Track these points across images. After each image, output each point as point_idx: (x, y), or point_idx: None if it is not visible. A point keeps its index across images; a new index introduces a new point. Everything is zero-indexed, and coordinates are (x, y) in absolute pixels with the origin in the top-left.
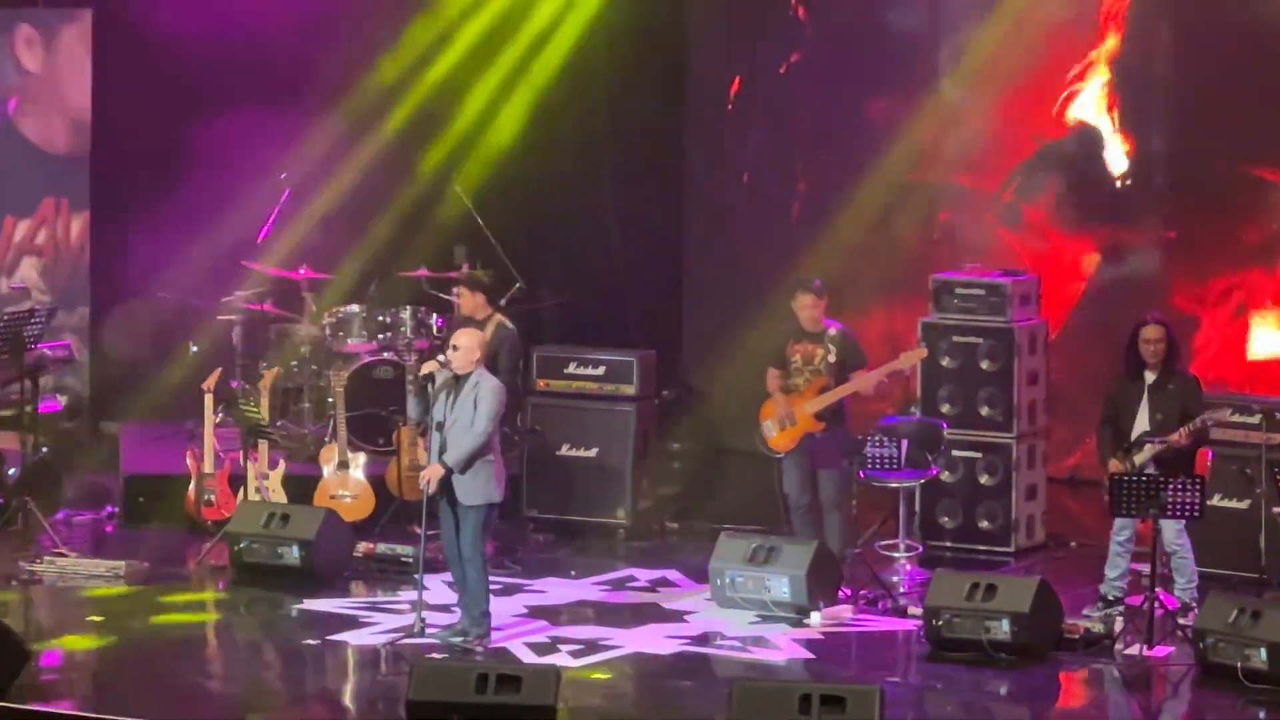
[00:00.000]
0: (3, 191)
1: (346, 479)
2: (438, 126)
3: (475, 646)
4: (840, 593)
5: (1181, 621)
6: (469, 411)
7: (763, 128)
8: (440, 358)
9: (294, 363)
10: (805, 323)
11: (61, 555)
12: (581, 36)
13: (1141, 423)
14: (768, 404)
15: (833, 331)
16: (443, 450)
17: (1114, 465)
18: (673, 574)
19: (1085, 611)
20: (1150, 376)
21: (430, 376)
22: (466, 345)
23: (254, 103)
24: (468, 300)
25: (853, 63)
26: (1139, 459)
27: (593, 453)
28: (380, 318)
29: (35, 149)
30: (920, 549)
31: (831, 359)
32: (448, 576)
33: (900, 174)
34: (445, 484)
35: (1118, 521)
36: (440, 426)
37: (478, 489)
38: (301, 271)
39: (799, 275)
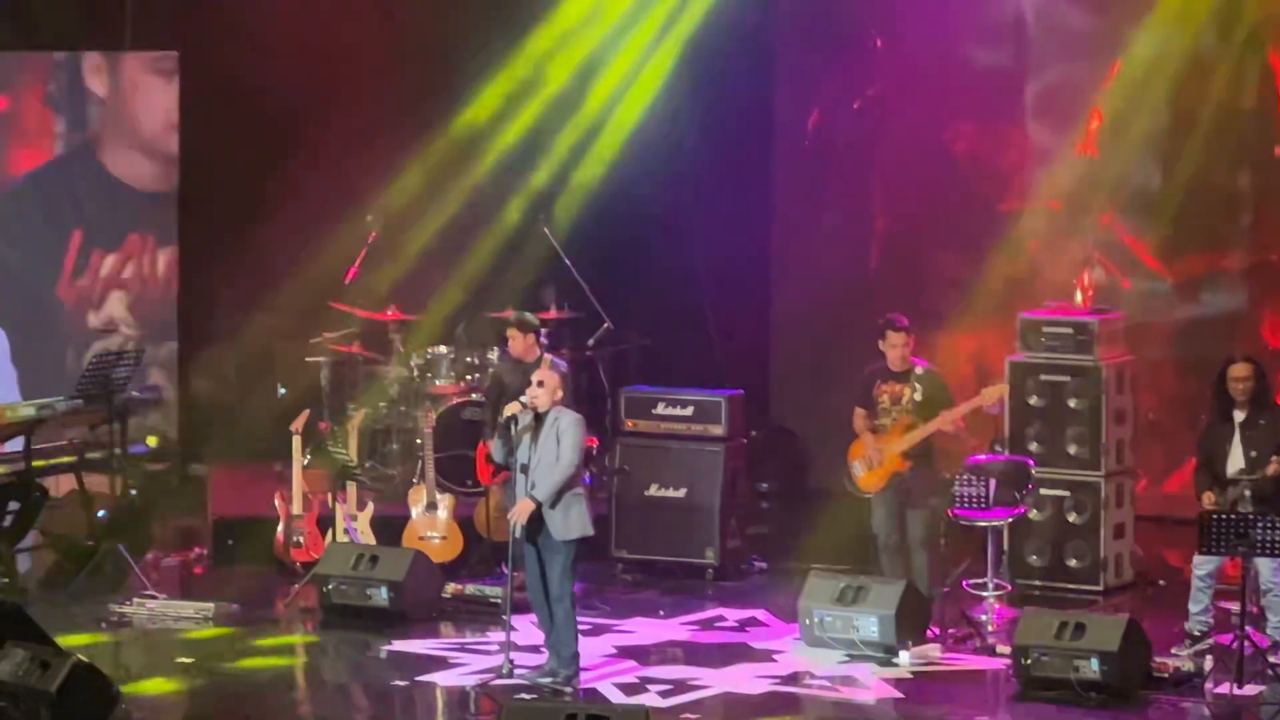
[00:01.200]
0: (89, 225)
1: (435, 520)
2: (528, 166)
3: (564, 687)
4: (929, 632)
5: (1272, 660)
6: (552, 447)
7: (843, 161)
8: (523, 398)
9: (382, 404)
10: (893, 362)
11: (151, 597)
12: (668, 76)
13: (1236, 461)
14: (856, 444)
15: (919, 370)
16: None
17: (1208, 500)
18: (762, 614)
19: (1174, 650)
20: (1240, 415)
21: (513, 418)
22: (549, 384)
23: (342, 143)
24: (519, 342)
25: (934, 95)
26: (1233, 496)
27: (681, 493)
28: (468, 359)
29: (120, 183)
30: (1009, 587)
31: (918, 398)
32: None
33: (989, 205)
34: (533, 523)
35: (1198, 557)
36: (525, 468)
37: (569, 524)
38: (389, 313)
39: (886, 314)
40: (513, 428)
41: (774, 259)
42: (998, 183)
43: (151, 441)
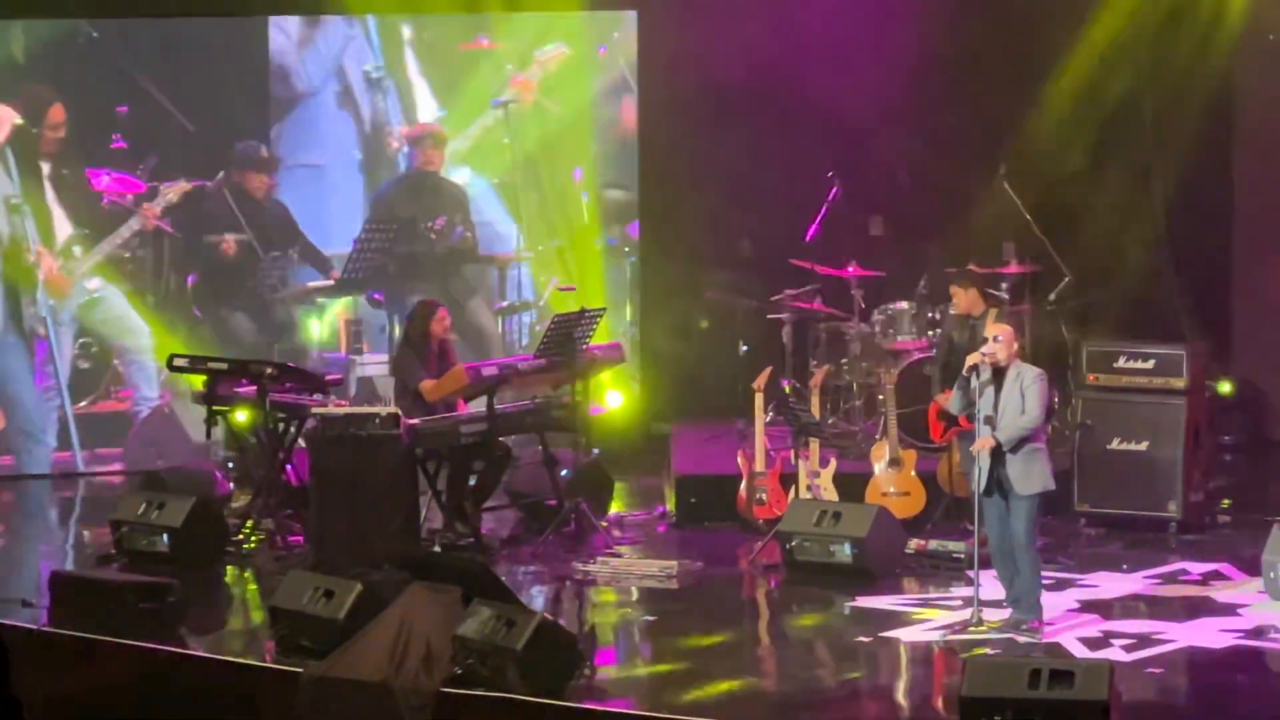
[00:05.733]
0: None
1: (898, 476)
2: (996, 129)
3: (1029, 638)
4: None
5: None
6: (1017, 401)
7: None
8: (985, 349)
9: (844, 360)
10: None
11: (614, 555)
12: (1129, 28)
13: None
14: None
15: None
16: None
17: None
18: (1225, 567)
19: None
20: None
21: (975, 369)
22: (1005, 337)
23: (803, 102)
24: (962, 298)
25: None
26: None
27: (1143, 446)
28: (930, 314)
29: None
30: None
31: None
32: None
33: None
34: (995, 477)
35: None
36: (989, 420)
37: (1032, 478)
38: (851, 269)
39: None
40: (973, 379)
41: (1237, 210)
42: None
43: (614, 400)
